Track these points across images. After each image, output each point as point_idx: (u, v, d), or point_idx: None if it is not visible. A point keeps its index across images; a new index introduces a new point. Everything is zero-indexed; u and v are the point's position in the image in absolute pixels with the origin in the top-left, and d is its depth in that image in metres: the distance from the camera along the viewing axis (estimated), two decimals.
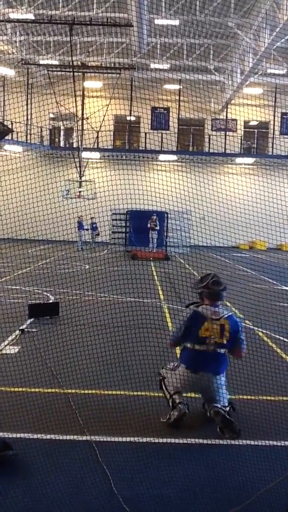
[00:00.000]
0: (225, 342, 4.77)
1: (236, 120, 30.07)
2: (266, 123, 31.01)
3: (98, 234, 25.30)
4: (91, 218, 23.84)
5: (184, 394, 4.94)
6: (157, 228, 23.41)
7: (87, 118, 25.66)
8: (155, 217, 22.93)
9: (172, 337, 5.08)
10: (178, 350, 5.60)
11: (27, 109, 27.22)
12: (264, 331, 8.23)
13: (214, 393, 4.81)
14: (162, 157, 29.78)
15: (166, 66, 26.32)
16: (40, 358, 6.31)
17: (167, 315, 9.50)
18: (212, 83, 28.51)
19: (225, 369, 4.92)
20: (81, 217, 23.63)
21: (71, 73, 22.08)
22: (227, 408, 4.75)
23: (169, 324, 8.68)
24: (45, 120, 28.84)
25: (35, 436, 4.41)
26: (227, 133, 29.63)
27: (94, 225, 24.90)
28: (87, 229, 24.70)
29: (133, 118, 29.97)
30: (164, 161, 29.84)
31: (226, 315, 4.82)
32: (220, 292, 4.91)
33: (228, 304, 9.86)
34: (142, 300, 9.22)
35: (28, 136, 28.58)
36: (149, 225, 23.16)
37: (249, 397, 5.22)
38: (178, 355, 5.33)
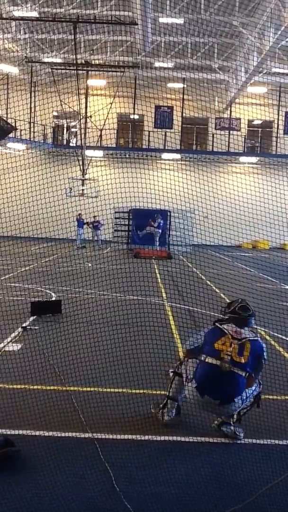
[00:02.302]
0: (242, 361, 4.40)
1: (240, 119, 30.01)
2: (270, 122, 30.95)
3: (99, 229, 25.02)
4: (94, 217, 23.75)
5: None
6: (155, 225, 23.20)
7: (91, 116, 25.64)
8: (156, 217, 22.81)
9: (190, 343, 4.83)
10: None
11: (30, 107, 27.23)
12: (266, 330, 8.22)
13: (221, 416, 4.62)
14: (165, 155, 29.74)
15: (170, 64, 26.27)
16: (42, 356, 6.32)
17: (169, 313, 9.50)
18: (216, 82, 28.44)
19: (239, 396, 4.45)
20: (80, 215, 23.60)
21: (75, 71, 22.07)
22: (233, 418, 4.60)
23: (172, 323, 8.68)
24: (48, 118, 28.83)
25: (37, 433, 4.42)
26: (231, 132, 29.57)
27: (96, 224, 24.79)
28: (86, 223, 24.60)
29: (136, 117, 29.94)
30: (168, 159, 29.80)
31: (251, 338, 4.53)
32: (248, 318, 4.65)
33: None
34: (144, 299, 9.23)
35: (31, 134, 28.60)
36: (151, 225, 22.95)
37: None
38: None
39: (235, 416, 4.62)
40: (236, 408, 4.55)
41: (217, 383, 4.41)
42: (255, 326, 4.81)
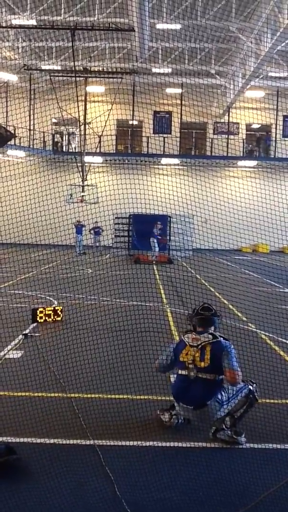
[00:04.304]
0: (204, 365, 4.62)
1: (238, 123, 30.11)
2: (268, 126, 31.05)
3: (100, 235, 24.98)
4: (95, 223, 23.76)
5: None
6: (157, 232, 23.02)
7: (90, 123, 25.74)
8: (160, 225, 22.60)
9: (159, 360, 5.11)
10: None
11: (29, 115, 27.36)
12: (267, 333, 8.22)
13: (204, 421, 4.67)
14: (164, 161, 29.83)
15: (167, 70, 26.40)
16: (43, 363, 6.32)
17: (170, 318, 9.50)
18: (214, 87, 28.58)
19: (213, 398, 4.58)
20: (79, 221, 23.65)
21: (74, 78, 22.19)
22: (226, 423, 4.61)
23: (172, 328, 8.68)
24: (47, 125, 28.96)
25: (38, 441, 4.41)
26: (229, 136, 29.66)
27: (97, 230, 24.80)
28: (91, 231, 24.64)
29: (135, 122, 30.05)
30: (166, 165, 29.88)
31: (209, 341, 4.70)
32: (210, 317, 4.89)
33: (239, 313, 9.85)
34: (145, 304, 9.24)
35: (31, 141, 28.70)
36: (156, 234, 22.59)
37: None
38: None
39: (227, 421, 4.62)
40: (217, 411, 4.58)
41: (187, 391, 4.68)
42: (218, 333, 4.88)
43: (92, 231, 24.75)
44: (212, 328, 4.88)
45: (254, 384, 4.84)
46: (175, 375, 4.95)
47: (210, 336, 4.76)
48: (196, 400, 4.61)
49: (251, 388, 4.75)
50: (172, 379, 4.98)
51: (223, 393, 4.63)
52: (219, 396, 4.60)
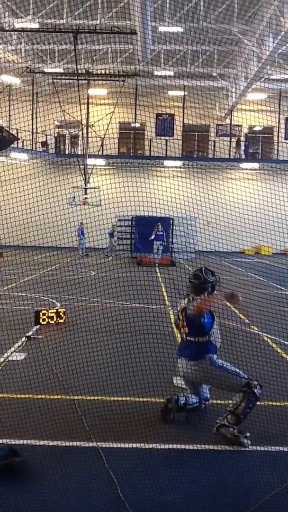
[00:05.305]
0: (186, 331, 5.06)
1: (240, 125, 30.11)
2: (271, 128, 31.05)
3: (113, 237, 24.90)
4: (113, 225, 23.76)
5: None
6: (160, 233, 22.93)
7: (92, 126, 25.81)
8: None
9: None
10: None
11: (32, 118, 27.44)
12: (270, 336, 8.21)
13: (193, 379, 4.98)
14: (166, 163, 29.85)
15: (170, 73, 26.44)
16: (46, 365, 6.33)
17: (173, 321, 9.49)
18: (216, 90, 28.61)
19: (200, 357, 4.93)
20: (82, 224, 23.64)
21: (76, 81, 22.25)
22: (229, 420, 4.62)
23: (175, 330, 8.67)
24: (50, 128, 29.00)
25: (41, 443, 4.42)
26: (232, 138, 29.67)
27: (112, 232, 24.71)
28: (109, 233, 24.55)
29: (137, 125, 30.10)
30: (169, 167, 29.90)
31: (184, 305, 5.07)
32: (200, 285, 5.00)
33: (241, 315, 9.83)
34: (148, 306, 9.24)
35: (34, 144, 28.77)
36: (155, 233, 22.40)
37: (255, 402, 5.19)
38: None
39: (230, 419, 4.59)
40: (212, 364, 4.82)
41: (184, 349, 5.11)
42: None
43: (108, 233, 24.63)
44: (204, 294, 5.05)
45: (255, 382, 4.75)
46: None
47: (186, 300, 5.09)
48: (189, 355, 4.98)
49: (251, 383, 4.69)
50: (174, 380, 5.19)
51: (215, 356, 4.92)
52: (210, 355, 4.89)
